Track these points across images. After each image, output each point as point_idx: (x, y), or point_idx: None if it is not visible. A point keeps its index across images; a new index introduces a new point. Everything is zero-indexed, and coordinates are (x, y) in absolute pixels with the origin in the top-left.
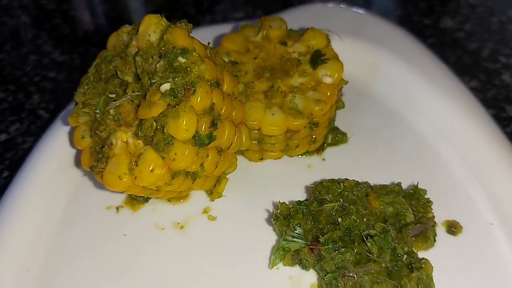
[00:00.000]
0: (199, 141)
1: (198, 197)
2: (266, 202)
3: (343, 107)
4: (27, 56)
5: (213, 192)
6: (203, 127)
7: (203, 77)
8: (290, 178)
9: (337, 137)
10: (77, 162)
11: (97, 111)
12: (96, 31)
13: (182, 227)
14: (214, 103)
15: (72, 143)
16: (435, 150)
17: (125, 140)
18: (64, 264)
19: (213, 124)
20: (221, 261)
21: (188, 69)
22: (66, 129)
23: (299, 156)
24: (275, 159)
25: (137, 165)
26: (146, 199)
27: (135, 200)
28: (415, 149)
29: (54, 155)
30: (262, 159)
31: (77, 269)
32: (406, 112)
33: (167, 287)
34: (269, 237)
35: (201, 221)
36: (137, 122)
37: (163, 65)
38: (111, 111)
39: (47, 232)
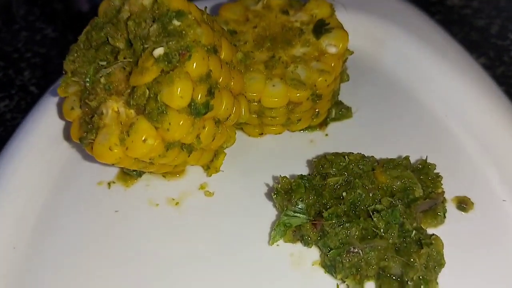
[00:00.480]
0: (195, 110)
1: (195, 173)
2: (266, 177)
3: (348, 80)
4: (19, 32)
5: (210, 167)
6: (199, 95)
7: (199, 41)
8: (291, 153)
9: (341, 111)
10: (67, 136)
11: (87, 80)
12: (92, 9)
13: (177, 203)
14: (211, 70)
15: (61, 117)
16: (445, 126)
17: (116, 109)
18: (51, 241)
19: (210, 93)
20: (219, 238)
21: (183, 32)
22: (56, 103)
23: (301, 131)
24: (276, 134)
25: (128, 135)
26: (139, 174)
27: (128, 175)
28: (423, 125)
29: (43, 129)
30: (262, 134)
31: (65, 247)
32: (414, 87)
33: (161, 265)
34: (269, 213)
35: (198, 197)
36: (129, 91)
37: (157, 29)
38: (102, 80)
39: (34, 209)
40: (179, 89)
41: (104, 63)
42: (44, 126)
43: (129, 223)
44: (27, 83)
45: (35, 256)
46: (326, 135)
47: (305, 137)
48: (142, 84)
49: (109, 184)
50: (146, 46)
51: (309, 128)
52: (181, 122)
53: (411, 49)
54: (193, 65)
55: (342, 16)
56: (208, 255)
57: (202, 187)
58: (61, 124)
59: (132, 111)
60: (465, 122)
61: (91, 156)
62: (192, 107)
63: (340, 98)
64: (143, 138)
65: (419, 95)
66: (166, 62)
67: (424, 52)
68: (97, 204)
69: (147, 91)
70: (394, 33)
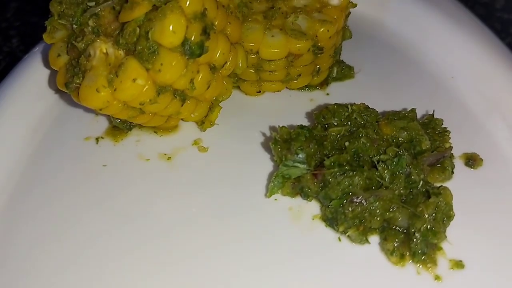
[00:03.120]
0: (189, 50)
1: (188, 129)
2: (263, 131)
3: (350, 38)
4: (8, 4)
5: (204, 122)
6: (194, 35)
7: None
8: (290, 109)
9: (343, 70)
10: (52, 89)
11: (74, 21)
12: None
13: (169, 158)
14: (206, 9)
15: (48, 68)
16: (450, 87)
17: (104, 50)
18: (35, 195)
19: (205, 33)
20: (213, 192)
21: None
22: (42, 58)
23: (301, 90)
24: (275, 91)
25: (117, 76)
26: (129, 127)
27: (117, 130)
28: (428, 87)
29: (28, 83)
30: (260, 92)
31: (48, 201)
32: (418, 49)
33: (152, 220)
34: (267, 166)
35: (191, 152)
36: (118, 32)
37: None
38: (90, 22)
39: (18, 165)
40: (171, 24)
41: (93, 3)
42: (30, 80)
43: (118, 177)
44: (15, 49)
45: (18, 209)
46: (327, 94)
47: (305, 95)
48: (132, 20)
49: (97, 139)
50: None
51: (310, 87)
52: (174, 62)
53: (414, 10)
54: (187, 0)
55: None
56: (201, 210)
57: (196, 142)
58: (47, 77)
59: (121, 52)
60: (472, 82)
61: (78, 110)
62: (186, 47)
63: (342, 58)
64: (132, 78)
65: (423, 57)
66: None
67: (428, 14)
68: (84, 158)
69: (138, 29)
70: None
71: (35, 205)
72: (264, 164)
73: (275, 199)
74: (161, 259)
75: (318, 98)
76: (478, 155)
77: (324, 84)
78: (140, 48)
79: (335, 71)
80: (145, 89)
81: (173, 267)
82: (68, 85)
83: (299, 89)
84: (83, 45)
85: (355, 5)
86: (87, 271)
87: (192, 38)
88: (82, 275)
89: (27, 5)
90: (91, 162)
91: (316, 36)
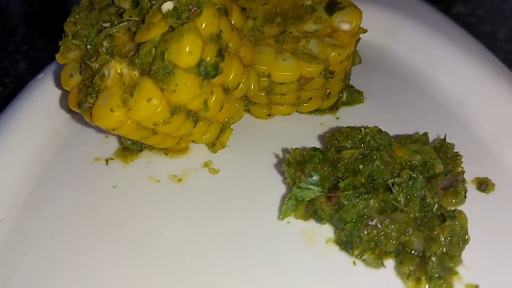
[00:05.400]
0: (204, 71)
1: (198, 151)
2: (275, 152)
3: (360, 63)
4: (16, 28)
5: (215, 144)
6: (209, 56)
7: None
8: (301, 132)
9: (353, 94)
10: (62, 110)
11: (88, 41)
12: None
13: (180, 180)
14: (221, 31)
15: (59, 89)
16: (460, 113)
17: (119, 71)
18: (42, 216)
19: (220, 54)
20: (224, 215)
21: None
22: (53, 79)
23: (311, 114)
24: (285, 114)
25: (132, 96)
26: (140, 148)
27: (127, 152)
28: (438, 112)
29: (39, 103)
30: (270, 115)
31: (57, 222)
32: (426, 75)
33: (162, 242)
34: (279, 189)
35: (202, 174)
36: (133, 53)
37: None
38: (105, 43)
39: (27, 184)
40: (188, 44)
41: (108, 24)
42: (39, 102)
43: (128, 198)
44: (22, 73)
45: (24, 231)
46: (337, 118)
47: (315, 119)
48: (148, 41)
49: (106, 160)
50: (153, 2)
51: (319, 111)
52: (189, 83)
53: (422, 38)
54: (204, 22)
55: None
56: (213, 233)
57: (206, 164)
58: (56, 99)
59: (136, 72)
60: (481, 108)
61: (88, 131)
62: (201, 67)
63: (351, 83)
64: (147, 98)
65: (431, 83)
66: (175, 18)
67: (435, 42)
68: (93, 179)
69: (153, 50)
70: (405, 23)
71: (44, 226)
72: (276, 186)
73: (288, 222)
74: (171, 283)
75: (328, 122)
76: (490, 180)
77: (333, 108)
78: (155, 68)
79: (344, 95)
80: (159, 109)
81: None
82: (81, 105)
83: (309, 113)
84: (97, 65)
85: (365, 31)
86: None
87: (208, 59)
88: None
89: (34, 30)
90: (100, 184)
91: (328, 60)
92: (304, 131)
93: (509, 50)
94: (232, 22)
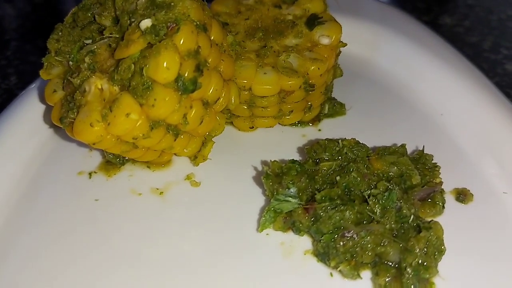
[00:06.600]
0: (183, 86)
1: (181, 164)
2: (256, 164)
3: (341, 76)
4: (8, 42)
5: (197, 157)
6: (187, 71)
7: (188, 15)
8: (282, 145)
9: (335, 106)
10: (46, 124)
11: (71, 58)
12: None
13: (161, 192)
14: (199, 47)
15: (43, 104)
16: (440, 124)
17: (99, 86)
18: (26, 230)
19: (198, 69)
20: (205, 227)
21: (172, 4)
22: (37, 94)
23: (293, 126)
24: (267, 127)
25: (111, 111)
26: (122, 162)
27: (110, 165)
28: (419, 123)
29: (22, 118)
30: (252, 127)
31: (41, 236)
32: (408, 86)
33: (144, 255)
34: (259, 201)
35: (183, 187)
36: (113, 68)
37: (145, 1)
38: (86, 59)
39: (10, 199)
40: (165, 60)
41: (90, 41)
42: (24, 116)
43: (110, 211)
44: (13, 87)
45: (7, 244)
46: (319, 130)
47: (298, 131)
48: (127, 57)
49: (89, 174)
50: (133, 20)
51: (302, 123)
52: (167, 98)
53: (404, 50)
54: (181, 38)
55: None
56: (193, 245)
57: (188, 177)
58: (41, 114)
59: (116, 87)
60: (462, 119)
61: (71, 145)
62: (179, 83)
63: (334, 95)
64: (126, 113)
65: (413, 94)
66: (153, 35)
67: (417, 53)
68: (76, 193)
69: (133, 65)
70: (387, 36)
71: (28, 238)
72: (257, 198)
73: (267, 234)
74: None
75: (310, 133)
76: (469, 190)
77: (316, 120)
78: (134, 83)
79: (326, 107)
80: (138, 123)
81: None
82: (62, 120)
83: (291, 125)
84: (79, 81)
85: (345, 45)
86: None
87: (186, 75)
88: None
89: (27, 44)
90: (83, 197)
91: (307, 74)
92: (286, 143)
93: (494, 60)
94: (212, 38)
